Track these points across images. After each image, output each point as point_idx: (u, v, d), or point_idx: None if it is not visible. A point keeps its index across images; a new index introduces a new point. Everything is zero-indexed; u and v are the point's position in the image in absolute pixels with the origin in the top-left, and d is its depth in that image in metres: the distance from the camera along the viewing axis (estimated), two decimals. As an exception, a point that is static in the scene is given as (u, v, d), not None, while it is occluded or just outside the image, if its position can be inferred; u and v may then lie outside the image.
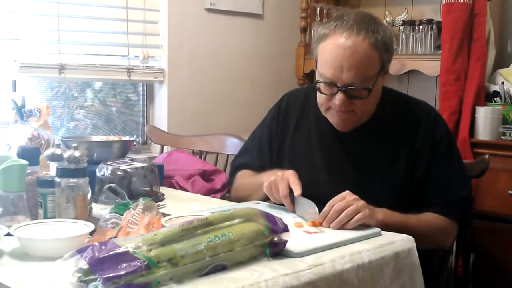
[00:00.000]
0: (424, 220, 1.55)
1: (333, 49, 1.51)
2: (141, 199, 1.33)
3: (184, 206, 1.66)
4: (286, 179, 1.49)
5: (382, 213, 1.45)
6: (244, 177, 1.80)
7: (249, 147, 1.86)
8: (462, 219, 1.62)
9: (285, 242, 1.18)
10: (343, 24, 1.51)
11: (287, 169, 1.67)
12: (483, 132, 2.62)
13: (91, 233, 1.25)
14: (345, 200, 1.37)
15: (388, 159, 1.60)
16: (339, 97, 1.52)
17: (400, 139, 1.60)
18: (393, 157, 1.59)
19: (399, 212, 1.51)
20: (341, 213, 1.35)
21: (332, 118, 1.60)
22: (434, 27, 2.97)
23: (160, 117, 2.97)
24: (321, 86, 1.56)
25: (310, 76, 3.22)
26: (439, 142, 1.60)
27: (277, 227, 1.17)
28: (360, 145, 1.62)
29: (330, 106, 1.57)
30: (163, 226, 1.25)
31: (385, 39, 1.52)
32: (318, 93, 1.59)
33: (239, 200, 1.74)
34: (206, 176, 2.17)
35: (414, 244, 1.36)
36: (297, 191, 1.46)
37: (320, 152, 1.66)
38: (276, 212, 1.32)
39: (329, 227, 1.37)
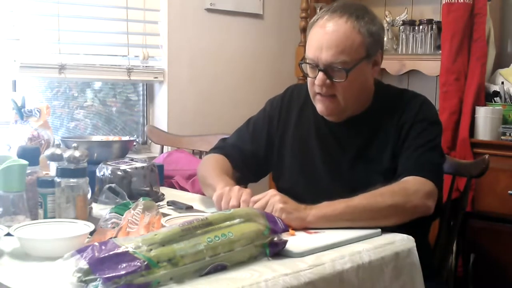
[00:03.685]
0: (373, 193, 1.42)
1: (317, 31, 1.55)
2: (141, 199, 1.33)
3: (184, 206, 1.66)
4: (238, 191, 1.44)
5: (316, 208, 1.37)
6: (211, 169, 1.69)
7: (242, 132, 1.83)
8: (430, 179, 1.49)
9: (285, 242, 1.18)
10: (330, 9, 1.55)
11: (289, 161, 1.69)
12: (483, 132, 2.62)
13: (91, 233, 1.25)
14: (264, 199, 1.37)
15: (379, 148, 1.59)
16: (318, 77, 1.54)
17: (390, 126, 1.60)
18: (384, 144, 1.59)
19: None
20: None
21: (318, 104, 1.61)
22: (434, 27, 2.97)
23: (160, 117, 2.97)
24: (308, 68, 1.58)
25: (310, 76, 3.22)
26: (420, 121, 1.58)
27: (277, 227, 1.17)
28: (354, 137, 1.62)
29: (316, 91, 1.58)
30: (163, 226, 1.26)
31: (369, 25, 1.54)
32: (308, 79, 1.61)
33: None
34: (206, 176, 2.16)
35: (414, 244, 1.36)
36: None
37: (317, 145, 1.67)
38: (276, 212, 1.33)
39: None
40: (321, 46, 1.52)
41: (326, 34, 1.52)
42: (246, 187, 1.69)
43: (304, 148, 1.68)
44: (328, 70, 1.53)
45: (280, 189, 1.68)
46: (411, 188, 1.45)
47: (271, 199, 1.36)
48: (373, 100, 1.64)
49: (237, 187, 1.45)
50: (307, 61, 1.57)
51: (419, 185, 1.46)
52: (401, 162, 1.55)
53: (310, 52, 1.55)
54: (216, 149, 1.81)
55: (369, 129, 1.62)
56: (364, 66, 1.55)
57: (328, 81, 1.54)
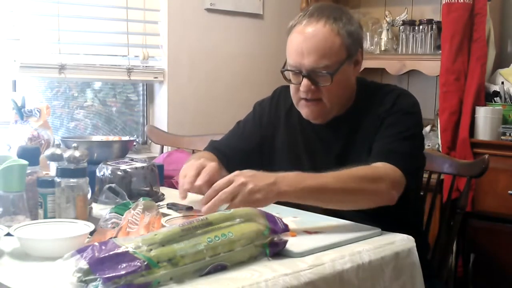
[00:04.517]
0: (345, 174, 1.39)
1: (296, 37, 1.54)
2: (141, 199, 1.33)
3: (184, 206, 1.66)
4: (195, 170, 1.41)
5: (286, 184, 1.31)
6: (192, 159, 1.64)
7: (233, 132, 1.81)
8: (399, 167, 1.46)
9: (285, 242, 1.18)
10: (307, 14, 1.55)
11: (279, 163, 1.68)
12: (483, 132, 2.62)
13: (91, 233, 1.25)
14: (227, 179, 1.29)
15: (361, 145, 1.59)
16: (303, 83, 1.54)
17: (370, 122, 1.59)
18: (365, 141, 1.58)
19: None
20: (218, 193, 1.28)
21: (302, 109, 1.61)
22: (434, 27, 2.97)
23: (160, 117, 2.97)
24: (290, 75, 1.58)
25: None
26: (395, 112, 1.56)
27: (277, 227, 1.17)
28: (337, 138, 1.62)
29: (300, 97, 1.58)
30: (163, 226, 1.26)
31: (348, 26, 1.54)
32: (290, 86, 1.60)
33: None
34: (206, 176, 2.16)
35: (414, 244, 1.35)
36: (199, 181, 1.41)
37: (303, 148, 1.67)
38: (276, 212, 1.32)
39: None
40: (302, 52, 1.51)
41: (306, 40, 1.51)
42: None
43: (292, 151, 1.68)
44: (312, 75, 1.53)
45: None
46: (380, 175, 1.42)
47: (236, 180, 1.28)
48: (355, 99, 1.64)
49: (196, 164, 1.41)
50: (289, 68, 1.56)
51: (389, 173, 1.43)
52: (373, 149, 1.53)
53: (291, 59, 1.55)
54: (206, 148, 1.78)
55: (350, 129, 1.61)
56: (346, 67, 1.55)
57: (313, 86, 1.54)
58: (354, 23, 1.57)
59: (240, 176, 1.30)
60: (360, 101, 1.63)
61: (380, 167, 1.45)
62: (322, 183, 1.35)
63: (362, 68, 1.64)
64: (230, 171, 1.66)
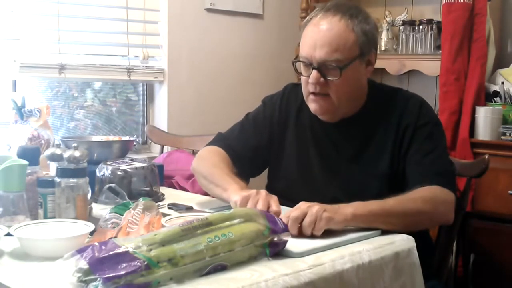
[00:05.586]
0: (406, 198, 1.44)
1: (311, 30, 1.55)
2: (141, 199, 1.33)
3: (184, 206, 1.65)
4: (266, 196, 1.39)
5: (352, 207, 1.35)
6: (217, 166, 1.63)
7: (244, 126, 1.79)
8: (451, 190, 1.52)
9: (285, 242, 1.18)
10: (324, 9, 1.56)
11: (286, 162, 1.68)
12: (483, 132, 2.62)
13: (91, 233, 1.25)
14: (300, 209, 1.31)
15: (376, 150, 1.59)
16: (312, 75, 1.54)
17: (387, 128, 1.59)
18: (381, 147, 1.59)
19: None
20: (299, 222, 1.29)
21: (311, 104, 1.61)
22: (434, 27, 2.97)
23: (160, 117, 2.97)
24: (301, 67, 1.58)
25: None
26: (423, 125, 1.58)
27: (277, 227, 1.17)
28: (349, 139, 1.62)
29: (309, 91, 1.58)
30: (163, 226, 1.26)
31: (363, 24, 1.54)
32: (301, 79, 1.60)
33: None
34: (206, 176, 2.16)
35: (414, 244, 1.36)
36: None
37: (313, 148, 1.67)
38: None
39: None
40: (315, 44, 1.52)
41: (320, 33, 1.52)
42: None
43: (301, 150, 1.68)
44: (322, 68, 1.53)
45: (274, 188, 1.67)
46: (440, 197, 1.47)
47: (310, 210, 1.30)
48: (366, 100, 1.64)
49: (264, 192, 1.41)
50: (301, 60, 1.57)
51: (446, 196, 1.49)
52: (414, 167, 1.54)
53: (304, 50, 1.55)
54: (216, 142, 1.76)
55: (364, 131, 1.61)
56: (357, 65, 1.55)
57: (322, 79, 1.54)
58: (370, 23, 1.57)
59: (306, 202, 1.33)
60: (372, 103, 1.63)
61: (437, 190, 1.48)
62: (386, 206, 1.39)
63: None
64: (239, 168, 1.66)
